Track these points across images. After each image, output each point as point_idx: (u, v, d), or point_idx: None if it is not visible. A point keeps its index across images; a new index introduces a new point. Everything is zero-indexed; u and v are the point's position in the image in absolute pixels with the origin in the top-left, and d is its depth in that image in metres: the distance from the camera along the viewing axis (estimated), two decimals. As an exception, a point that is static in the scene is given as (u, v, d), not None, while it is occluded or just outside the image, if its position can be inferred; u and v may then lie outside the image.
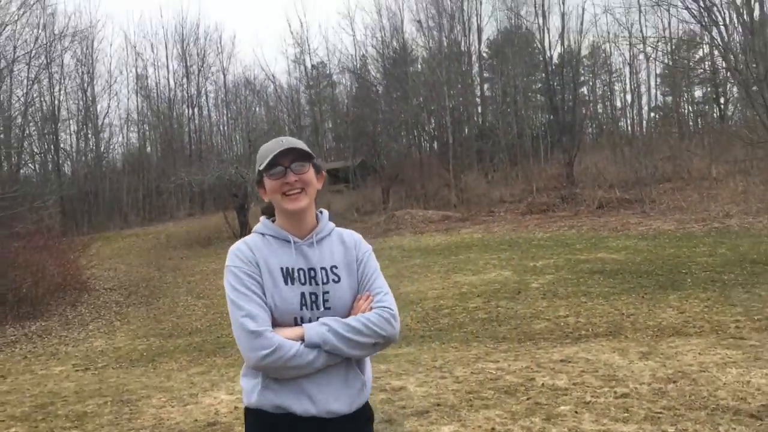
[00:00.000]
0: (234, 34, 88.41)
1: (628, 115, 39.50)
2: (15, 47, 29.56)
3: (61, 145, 39.07)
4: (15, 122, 32.54)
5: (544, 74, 35.74)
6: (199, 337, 10.84)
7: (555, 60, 34.98)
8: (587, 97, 39.75)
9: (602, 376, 5.71)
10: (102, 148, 42.11)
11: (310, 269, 2.01)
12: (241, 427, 4.62)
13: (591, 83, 40.62)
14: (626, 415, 4.62)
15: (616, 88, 40.39)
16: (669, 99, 40.37)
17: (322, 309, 1.98)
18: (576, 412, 4.76)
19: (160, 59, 45.02)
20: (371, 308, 1.99)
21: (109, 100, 45.47)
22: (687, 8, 18.55)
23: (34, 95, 35.29)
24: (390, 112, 35.66)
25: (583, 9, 47.94)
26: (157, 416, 5.60)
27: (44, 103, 37.55)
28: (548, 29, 33.52)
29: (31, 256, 15.43)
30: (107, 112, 43.17)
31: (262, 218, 2.14)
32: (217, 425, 5.17)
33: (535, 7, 33.55)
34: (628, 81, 38.83)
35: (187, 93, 44.60)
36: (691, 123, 39.10)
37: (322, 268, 2.02)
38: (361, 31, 48.67)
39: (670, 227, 17.09)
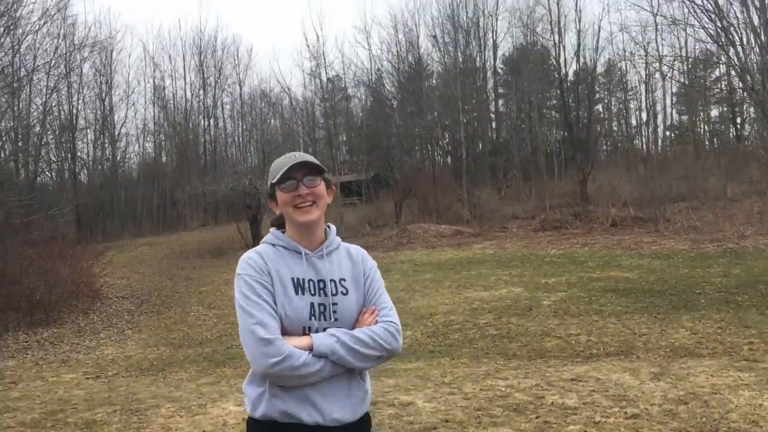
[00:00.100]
0: (251, 47, 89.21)
1: (643, 133, 39.38)
2: (35, 56, 29.94)
3: (78, 154, 39.49)
4: (33, 130, 32.90)
5: (559, 91, 35.71)
6: (209, 348, 10.86)
7: (570, 77, 34.97)
8: (602, 115, 39.67)
9: (613, 396, 5.66)
10: (118, 158, 42.53)
11: (319, 281, 2.07)
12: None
13: (606, 101, 40.54)
14: (636, 436, 4.57)
15: (632, 106, 40.31)
16: (685, 118, 40.23)
17: (330, 320, 2.04)
18: (585, 432, 4.71)
19: (178, 70, 45.39)
20: (376, 322, 2.06)
21: (127, 110, 45.95)
22: (704, 28, 18.48)
23: (53, 104, 35.70)
24: (404, 127, 35.77)
25: (599, 27, 47.81)
26: (165, 426, 5.61)
27: (62, 112, 38.00)
28: (564, 46, 33.51)
29: (45, 264, 15.53)
30: (124, 121, 43.54)
31: (272, 229, 2.19)
32: (224, 436, 5.17)
33: (551, 24, 33.59)
34: (643, 99, 38.69)
35: (204, 104, 45.02)
36: (706, 142, 38.93)
37: (331, 280, 2.08)
38: (377, 45, 49.03)
39: (684, 247, 16.96)
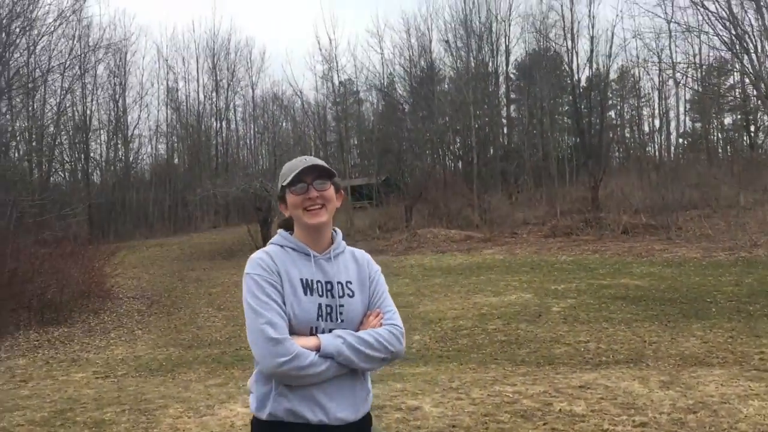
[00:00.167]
0: (264, 50, 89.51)
1: (656, 140, 39.20)
2: (50, 57, 30.14)
3: (91, 155, 39.72)
4: (47, 130, 33.18)
5: (571, 97, 35.65)
6: (218, 349, 10.90)
7: (583, 83, 34.89)
8: (615, 121, 39.53)
9: (621, 404, 5.63)
10: (131, 159, 42.75)
11: (327, 282, 2.11)
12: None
13: (619, 107, 40.41)
14: (644, 444, 4.54)
15: (645, 112, 40.15)
16: (698, 125, 39.99)
17: (337, 321, 2.08)
18: (593, 440, 4.69)
19: (191, 73, 45.74)
20: (381, 324, 2.11)
21: (140, 111, 45.97)
22: (718, 35, 18.44)
23: (67, 105, 35.98)
24: (415, 131, 35.77)
25: (613, 33, 47.50)
26: (173, 426, 5.63)
27: (76, 113, 38.28)
28: (577, 52, 33.52)
29: (57, 263, 15.63)
30: (137, 123, 43.66)
31: (280, 231, 2.24)
32: (232, 438, 5.19)
33: (564, 29, 33.60)
34: (656, 106, 38.59)
35: (216, 106, 45.20)
36: (720, 150, 38.68)
37: (338, 282, 2.13)
38: (389, 49, 48.75)
39: (695, 255, 16.85)
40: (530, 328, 10.24)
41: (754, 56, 17.67)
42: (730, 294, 11.76)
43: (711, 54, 30.06)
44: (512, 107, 42.25)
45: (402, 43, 52.72)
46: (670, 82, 34.33)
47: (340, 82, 38.33)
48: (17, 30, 22.08)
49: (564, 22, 33.15)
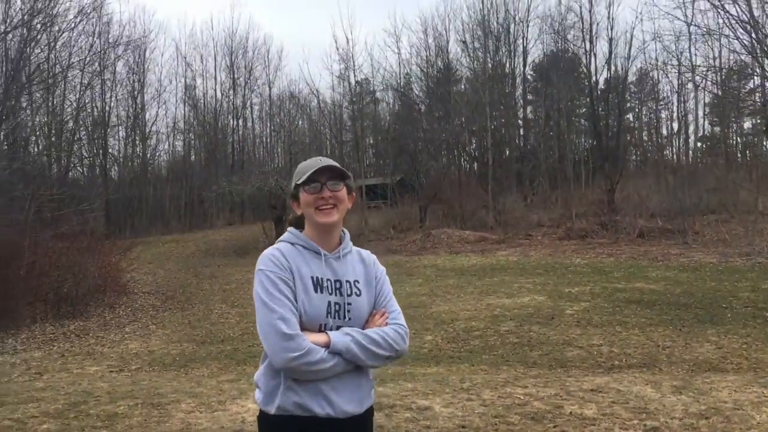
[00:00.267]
0: (281, 48, 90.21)
1: (674, 143, 38.89)
2: (70, 54, 30.51)
3: (109, 150, 40.20)
4: (66, 126, 33.56)
5: (589, 99, 35.40)
6: (231, 345, 10.96)
7: (601, 85, 34.64)
8: (632, 124, 39.23)
9: (633, 408, 5.60)
10: (148, 155, 43.12)
11: (336, 281, 2.17)
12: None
13: (637, 110, 40.10)
14: (655, 449, 4.52)
15: (663, 115, 39.85)
16: (717, 129, 39.62)
17: (345, 319, 2.14)
18: (603, 443, 4.67)
19: (209, 70, 45.90)
20: (386, 324, 2.17)
21: (158, 108, 46.39)
22: (738, 39, 18.24)
23: (86, 101, 36.44)
24: (431, 131, 35.75)
25: (632, 35, 47.05)
26: (185, 421, 5.67)
27: (95, 109, 38.73)
28: (595, 54, 33.19)
29: (73, 257, 15.80)
30: (155, 120, 44.13)
31: (291, 228, 2.30)
32: (242, 433, 5.22)
33: (582, 31, 33.32)
34: (675, 109, 38.25)
35: (233, 104, 45.46)
36: (738, 154, 38.34)
37: (347, 281, 2.19)
38: (407, 49, 49.01)
39: (712, 260, 16.70)
40: (543, 331, 10.21)
41: (775, 60, 17.49)
42: (746, 300, 11.64)
43: (731, 57, 29.77)
44: (529, 108, 42.11)
45: (419, 43, 52.59)
46: (690, 85, 34.02)
47: (356, 82, 38.35)
48: (38, 26, 22.31)
49: (583, 23, 32.90)
